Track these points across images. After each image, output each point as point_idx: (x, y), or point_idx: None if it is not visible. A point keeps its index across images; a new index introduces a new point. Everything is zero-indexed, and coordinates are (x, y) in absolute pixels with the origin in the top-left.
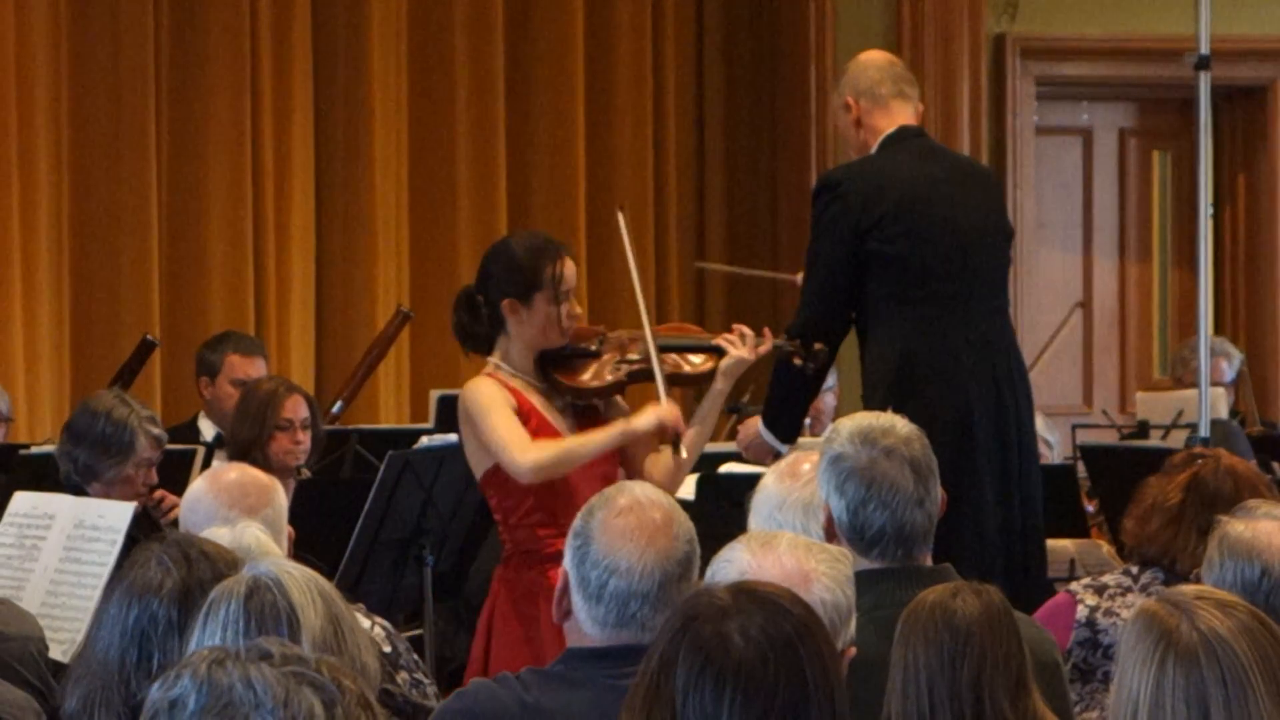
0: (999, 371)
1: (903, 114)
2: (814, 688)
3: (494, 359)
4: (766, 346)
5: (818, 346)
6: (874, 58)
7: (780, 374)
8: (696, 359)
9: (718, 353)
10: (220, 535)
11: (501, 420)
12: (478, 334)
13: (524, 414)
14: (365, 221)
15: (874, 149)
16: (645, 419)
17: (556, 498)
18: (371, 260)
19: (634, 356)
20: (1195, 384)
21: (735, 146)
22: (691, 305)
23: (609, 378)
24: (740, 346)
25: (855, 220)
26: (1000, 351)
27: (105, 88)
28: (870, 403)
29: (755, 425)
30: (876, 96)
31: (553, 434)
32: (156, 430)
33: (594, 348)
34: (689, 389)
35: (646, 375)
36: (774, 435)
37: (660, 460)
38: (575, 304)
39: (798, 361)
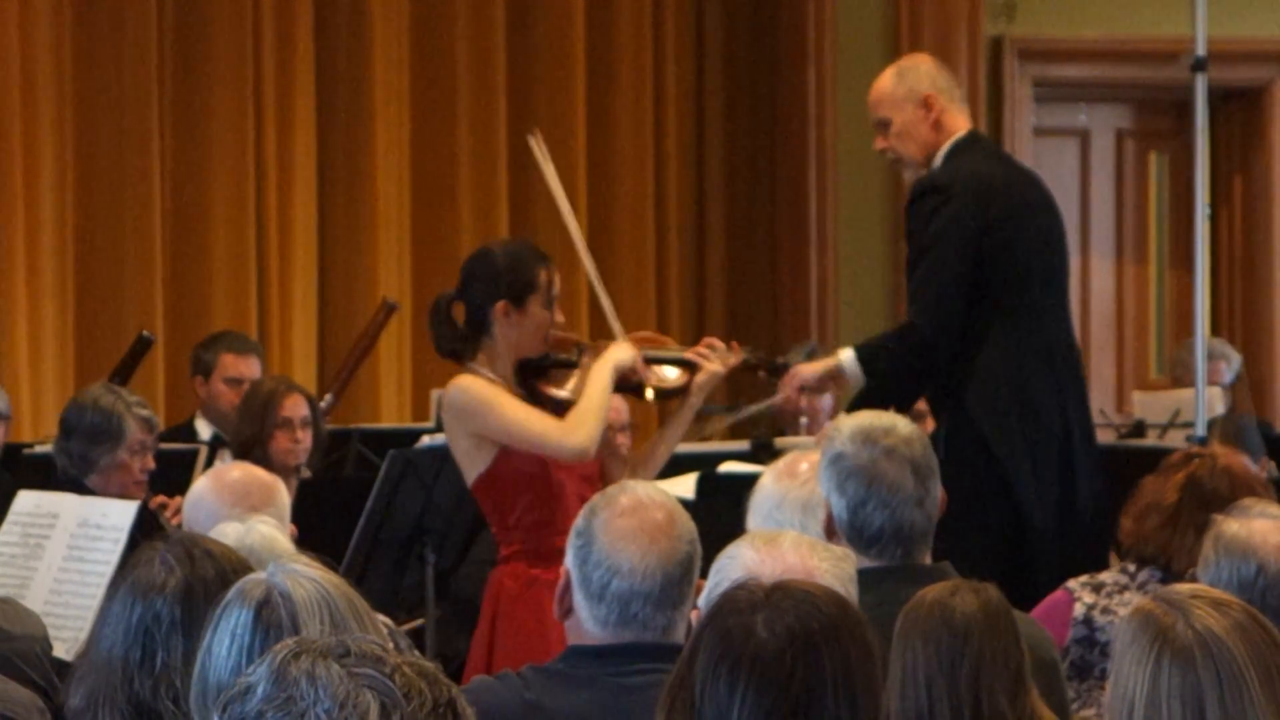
0: (1080, 373)
1: (965, 117)
2: (832, 685)
3: (476, 365)
4: (736, 360)
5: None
6: (929, 58)
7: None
8: (672, 373)
9: (690, 366)
10: (227, 533)
11: (519, 409)
12: (454, 344)
13: None
14: (367, 220)
15: (943, 151)
16: (622, 352)
17: (549, 495)
18: (373, 259)
19: None
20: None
21: (735, 146)
22: (691, 305)
23: None
24: (713, 360)
25: (970, 221)
26: (1078, 353)
27: (109, 87)
28: (987, 420)
29: (811, 368)
30: (953, 96)
31: None
32: (145, 413)
33: (573, 358)
34: (667, 402)
35: (626, 387)
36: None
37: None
38: (559, 312)
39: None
